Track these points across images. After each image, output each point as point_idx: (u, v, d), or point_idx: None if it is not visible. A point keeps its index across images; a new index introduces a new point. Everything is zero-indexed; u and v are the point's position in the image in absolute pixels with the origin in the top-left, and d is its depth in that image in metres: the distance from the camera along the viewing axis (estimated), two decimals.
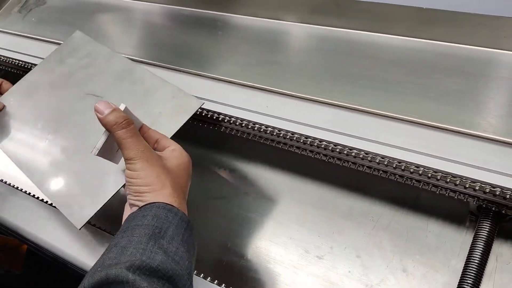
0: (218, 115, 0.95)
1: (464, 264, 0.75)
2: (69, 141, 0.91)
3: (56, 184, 0.87)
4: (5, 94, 1.01)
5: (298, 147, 0.89)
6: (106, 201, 0.81)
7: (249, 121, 0.92)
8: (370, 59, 1.00)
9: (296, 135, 0.88)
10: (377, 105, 0.89)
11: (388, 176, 0.82)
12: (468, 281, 0.72)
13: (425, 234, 0.85)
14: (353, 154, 0.83)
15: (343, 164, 0.86)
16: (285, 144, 0.91)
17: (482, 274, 0.73)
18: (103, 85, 0.97)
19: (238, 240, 0.93)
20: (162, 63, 1.11)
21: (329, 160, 0.87)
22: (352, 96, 0.92)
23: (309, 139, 0.87)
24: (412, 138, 0.83)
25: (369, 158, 0.82)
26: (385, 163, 0.81)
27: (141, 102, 0.92)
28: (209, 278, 0.80)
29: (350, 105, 0.90)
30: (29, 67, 1.15)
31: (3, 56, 1.23)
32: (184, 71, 1.08)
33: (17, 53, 1.22)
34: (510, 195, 0.71)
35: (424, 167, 0.78)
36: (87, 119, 0.92)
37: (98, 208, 0.80)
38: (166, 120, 0.87)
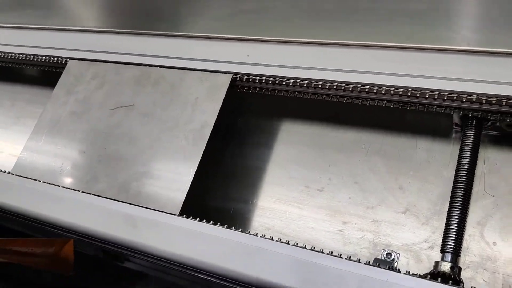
0: None
1: (455, 172, 0.80)
2: (123, 151, 0.92)
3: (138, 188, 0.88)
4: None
5: (286, 90, 0.91)
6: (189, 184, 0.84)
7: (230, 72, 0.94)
8: None
9: (278, 79, 0.90)
10: (354, 36, 0.90)
11: (377, 104, 0.86)
12: (460, 186, 0.77)
13: (415, 151, 0.90)
14: (334, 87, 0.86)
15: (332, 99, 0.88)
16: (273, 90, 0.93)
17: (473, 178, 0.79)
18: (127, 95, 0.99)
19: (243, 188, 0.96)
20: (137, 30, 1.10)
21: (318, 97, 0.89)
22: (330, 31, 0.93)
23: (292, 80, 0.89)
24: (391, 62, 0.85)
25: (350, 88, 0.85)
26: (366, 90, 0.84)
27: (172, 96, 0.95)
28: (218, 223, 0.82)
29: (328, 41, 0.92)
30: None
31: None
32: (162, 35, 1.08)
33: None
34: (486, 100, 0.75)
35: (403, 87, 0.81)
36: (128, 128, 0.94)
37: (187, 191, 0.83)
38: (206, 103, 0.91)
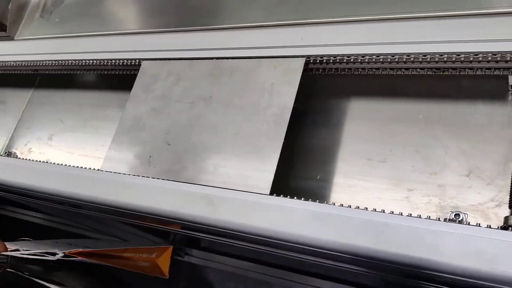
0: None
1: None
2: (208, 141, 0.99)
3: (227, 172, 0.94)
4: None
5: (336, 69, 0.96)
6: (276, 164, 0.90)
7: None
8: None
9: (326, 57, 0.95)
10: (400, 9, 0.94)
11: (426, 72, 0.89)
12: None
13: (474, 116, 0.92)
14: (388, 60, 0.90)
15: (382, 72, 0.92)
16: (323, 69, 0.98)
17: None
18: (203, 88, 1.05)
19: (307, 165, 1.02)
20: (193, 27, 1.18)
21: (368, 72, 0.94)
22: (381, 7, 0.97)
23: (345, 57, 0.94)
24: (436, 31, 0.88)
25: (404, 59, 0.88)
26: (413, 60, 0.87)
27: (248, 84, 1.01)
28: (288, 196, 0.88)
29: (379, 17, 0.96)
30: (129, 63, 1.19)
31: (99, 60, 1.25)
32: (213, 28, 1.15)
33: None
34: None
35: (453, 53, 0.84)
36: (209, 119, 1.01)
37: (274, 171, 0.90)
38: (282, 87, 0.97)
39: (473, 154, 0.89)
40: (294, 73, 0.98)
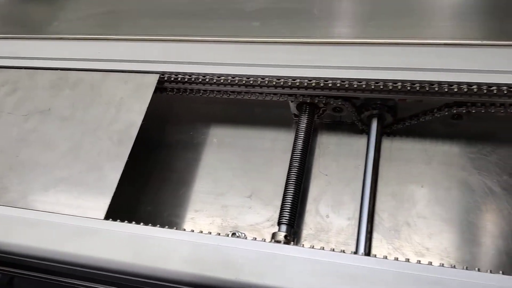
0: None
1: (291, 154, 0.87)
2: (40, 155, 0.87)
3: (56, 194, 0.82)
4: None
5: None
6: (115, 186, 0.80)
7: None
8: None
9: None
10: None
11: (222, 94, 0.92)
12: (294, 165, 0.85)
13: (261, 141, 0.97)
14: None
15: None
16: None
17: (305, 159, 0.86)
18: (42, 99, 0.95)
19: None
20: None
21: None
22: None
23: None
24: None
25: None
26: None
27: (93, 97, 0.92)
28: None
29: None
30: None
31: None
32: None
33: None
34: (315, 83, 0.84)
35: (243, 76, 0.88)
36: (44, 133, 0.90)
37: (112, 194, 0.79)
38: (131, 102, 0.90)
39: (257, 176, 0.92)
40: (146, 89, 0.92)
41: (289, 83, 0.86)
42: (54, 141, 0.88)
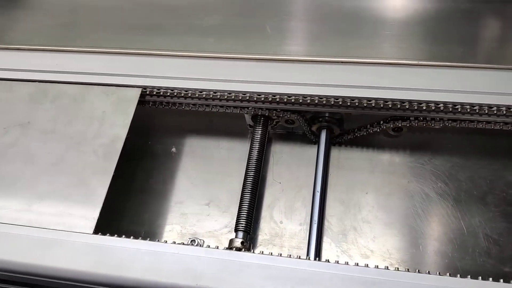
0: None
1: (246, 164, 0.92)
2: (21, 170, 0.85)
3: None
4: None
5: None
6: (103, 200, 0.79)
7: None
8: None
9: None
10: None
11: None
12: (249, 179, 0.89)
13: (218, 151, 1.01)
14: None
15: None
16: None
17: (260, 168, 0.91)
18: (21, 112, 0.93)
19: None
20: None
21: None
22: None
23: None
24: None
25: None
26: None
27: (76, 111, 0.92)
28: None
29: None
30: None
31: None
32: None
33: None
34: (265, 98, 0.89)
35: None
36: (25, 147, 0.88)
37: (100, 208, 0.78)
38: (114, 116, 0.90)
39: (214, 185, 0.96)
40: (129, 102, 0.92)
41: (247, 97, 0.91)
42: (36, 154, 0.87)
